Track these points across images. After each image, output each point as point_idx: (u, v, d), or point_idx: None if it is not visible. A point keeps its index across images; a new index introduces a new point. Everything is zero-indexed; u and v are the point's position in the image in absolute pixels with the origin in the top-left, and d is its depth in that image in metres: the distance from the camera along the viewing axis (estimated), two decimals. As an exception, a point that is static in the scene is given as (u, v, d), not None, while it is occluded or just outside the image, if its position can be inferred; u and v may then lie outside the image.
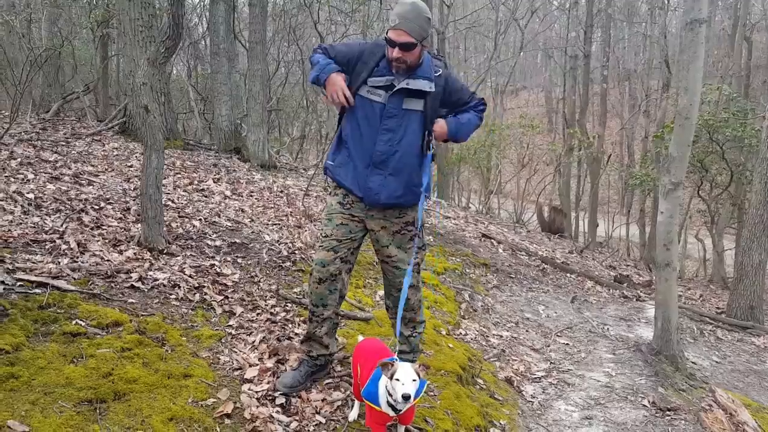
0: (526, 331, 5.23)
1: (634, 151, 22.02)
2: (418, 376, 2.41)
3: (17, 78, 9.22)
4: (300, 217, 6.35)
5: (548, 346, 4.92)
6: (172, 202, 5.81)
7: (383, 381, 2.51)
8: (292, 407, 2.93)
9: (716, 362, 5.35)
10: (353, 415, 2.83)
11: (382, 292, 4.75)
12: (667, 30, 16.64)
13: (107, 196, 5.60)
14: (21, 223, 4.42)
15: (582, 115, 16.28)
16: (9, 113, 9.29)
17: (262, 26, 8.85)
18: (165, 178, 6.70)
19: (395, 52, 2.62)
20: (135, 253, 4.30)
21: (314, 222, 6.35)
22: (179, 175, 7.08)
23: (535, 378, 4.14)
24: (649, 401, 3.89)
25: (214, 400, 2.82)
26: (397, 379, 2.37)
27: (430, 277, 5.51)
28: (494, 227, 9.69)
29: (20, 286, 3.33)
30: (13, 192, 4.99)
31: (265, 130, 9.70)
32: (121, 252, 4.34)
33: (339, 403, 2.99)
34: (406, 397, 2.33)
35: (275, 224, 5.94)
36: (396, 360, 2.62)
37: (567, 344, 5.03)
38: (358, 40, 2.64)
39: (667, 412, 3.77)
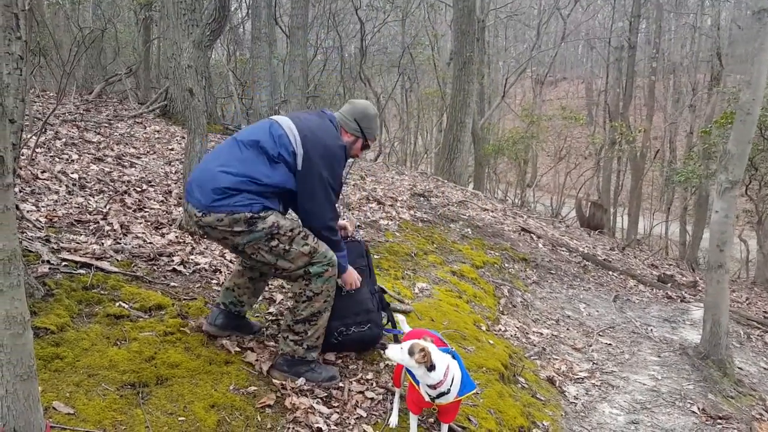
0: (567, 329, 5.07)
1: (676, 147, 21.31)
2: (409, 354, 2.37)
3: (63, 59, 9.40)
4: (338, 206, 6.30)
5: (590, 345, 4.76)
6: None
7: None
8: (333, 399, 2.88)
9: (764, 369, 5.12)
10: (393, 420, 2.75)
11: (421, 284, 4.68)
12: (719, 22, 15.94)
13: (149, 179, 5.64)
14: (66, 203, 4.48)
15: (625, 108, 15.78)
16: (54, 94, 9.50)
17: (304, 11, 8.78)
18: (204, 162, 6.72)
19: (362, 153, 3.13)
20: (177, 237, 4.32)
21: (352, 211, 6.29)
22: (218, 159, 7.10)
23: (578, 378, 4.01)
24: (698, 408, 3.73)
25: (255, 388, 2.79)
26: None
27: (469, 270, 5.40)
28: (533, 221, 9.48)
29: (65, 266, 3.36)
30: (58, 172, 5.07)
31: (304, 116, 9.66)
32: (163, 235, 4.36)
33: (380, 397, 2.93)
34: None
35: (314, 211, 5.91)
36: (449, 350, 2.56)
37: (609, 344, 4.86)
38: (338, 152, 2.84)
39: (718, 421, 3.61)
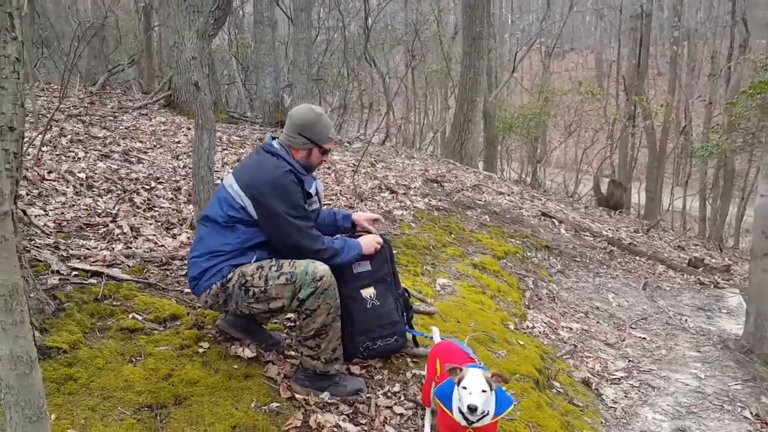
0: (597, 322, 4.87)
1: (692, 117, 20.74)
2: (490, 387, 2.15)
3: (65, 51, 9.17)
4: (350, 197, 6.09)
5: (623, 340, 4.56)
6: (222, 181, 5.63)
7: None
8: (359, 415, 2.72)
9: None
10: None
11: (442, 280, 4.49)
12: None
13: (157, 175, 5.46)
14: (74, 205, 4.32)
15: (641, 80, 15.24)
16: (59, 87, 9.28)
17: (308, -8, 8.46)
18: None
19: (326, 157, 2.91)
20: (188, 237, 4.15)
21: (365, 201, 6.08)
22: (226, 152, 6.90)
23: (615, 379, 3.81)
24: (750, 413, 3.47)
25: (278, 404, 2.63)
26: (464, 387, 2.15)
27: (491, 261, 5.20)
28: (552, 204, 9.19)
29: (75, 275, 3.21)
30: (65, 171, 4.89)
31: (310, 101, 9.41)
32: (174, 236, 4.19)
33: (410, 413, 2.76)
34: (471, 408, 2.10)
35: (326, 204, 5.71)
36: (477, 366, 2.38)
37: (644, 338, 4.65)
38: (284, 181, 2.68)
39: (776, 429, 3.36)
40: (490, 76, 17.07)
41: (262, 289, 2.57)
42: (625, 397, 3.56)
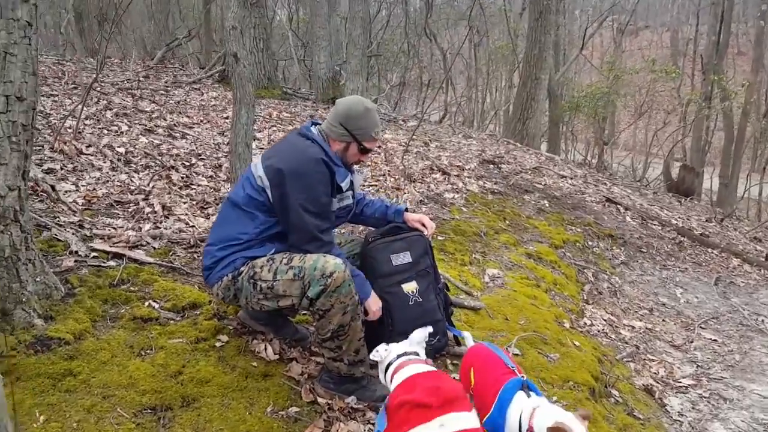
0: (663, 320, 4.36)
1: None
2: None
3: (129, 27, 9.26)
4: (399, 177, 5.75)
5: (691, 341, 4.05)
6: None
7: (515, 410, 1.91)
8: (386, 425, 2.42)
9: None
10: None
11: (492, 271, 4.10)
12: None
13: (199, 152, 5.31)
14: (108, 181, 4.19)
15: (720, 59, 13.97)
16: (118, 61, 9.39)
17: (363, -38, 8.07)
18: (260, 132, 6.35)
19: (365, 156, 2.60)
20: (221, 218, 3.95)
21: (414, 183, 5.72)
22: (274, 128, 6.69)
23: (681, 387, 3.35)
24: None
25: (297, 409, 2.37)
26: None
27: (547, 251, 4.75)
28: (618, 189, 8.51)
29: (94, 257, 3.03)
30: (104, 146, 4.78)
31: (365, 78, 9.06)
32: (207, 216, 4.00)
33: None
34: None
35: (372, 185, 5.40)
36: (523, 381, 2.02)
37: (714, 340, 4.12)
38: (310, 169, 2.34)
39: None
40: (558, 53, 16.17)
41: (270, 284, 2.30)
42: (693, 409, 3.11)
